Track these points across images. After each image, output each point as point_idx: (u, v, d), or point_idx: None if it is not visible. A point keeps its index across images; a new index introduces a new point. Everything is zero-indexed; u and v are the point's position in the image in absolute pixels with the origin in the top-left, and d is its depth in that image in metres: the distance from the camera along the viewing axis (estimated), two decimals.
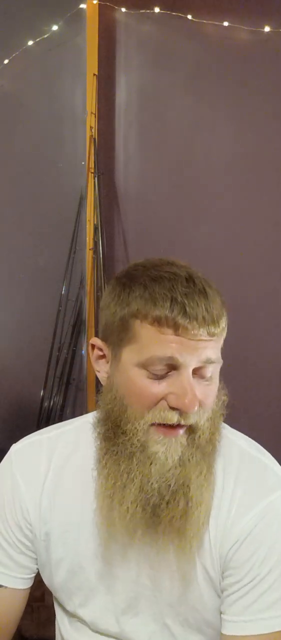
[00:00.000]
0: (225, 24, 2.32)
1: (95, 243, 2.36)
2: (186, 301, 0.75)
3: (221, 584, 0.82)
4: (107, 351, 0.83)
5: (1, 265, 2.75)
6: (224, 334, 0.81)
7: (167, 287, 0.77)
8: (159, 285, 0.77)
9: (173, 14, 2.35)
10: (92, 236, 2.38)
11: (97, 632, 0.90)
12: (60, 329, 2.46)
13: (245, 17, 2.29)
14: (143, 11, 2.40)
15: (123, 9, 2.42)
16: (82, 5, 2.43)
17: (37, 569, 0.94)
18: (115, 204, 2.51)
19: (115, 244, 2.51)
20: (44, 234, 2.62)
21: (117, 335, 0.80)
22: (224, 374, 0.84)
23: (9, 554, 0.92)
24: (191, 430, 0.78)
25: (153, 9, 2.38)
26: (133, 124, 2.50)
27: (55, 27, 2.50)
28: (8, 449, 0.96)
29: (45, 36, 2.51)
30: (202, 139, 2.43)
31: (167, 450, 0.76)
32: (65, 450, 0.90)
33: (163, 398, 0.77)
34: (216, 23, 2.32)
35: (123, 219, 2.51)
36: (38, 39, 2.53)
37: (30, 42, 2.54)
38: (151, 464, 0.76)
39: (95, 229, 2.37)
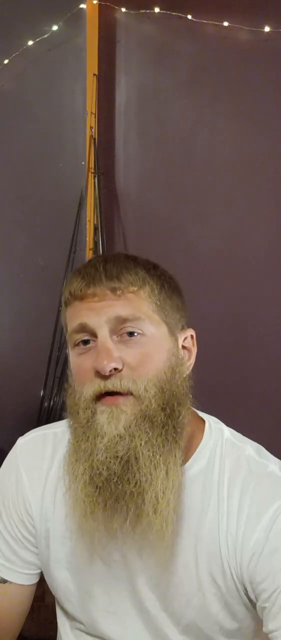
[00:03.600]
0: (225, 24, 2.31)
1: (95, 243, 2.36)
2: (84, 270, 0.80)
3: (258, 604, 0.79)
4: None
5: (1, 265, 2.76)
6: (144, 293, 0.79)
7: (78, 268, 0.83)
8: (74, 270, 0.84)
9: (173, 14, 2.35)
10: (92, 236, 2.38)
11: (96, 636, 0.89)
12: (60, 329, 2.46)
13: (245, 17, 2.29)
14: (143, 11, 2.40)
15: (123, 9, 2.42)
16: (82, 5, 2.42)
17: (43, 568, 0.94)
18: (115, 204, 2.51)
19: (115, 244, 2.51)
20: (44, 234, 2.62)
21: (65, 328, 0.84)
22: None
23: (14, 549, 0.92)
24: (135, 399, 0.76)
25: (153, 9, 2.38)
26: (133, 124, 2.50)
27: (55, 27, 2.50)
28: (8, 449, 0.97)
29: (45, 36, 2.51)
30: (202, 139, 2.43)
31: (109, 419, 0.75)
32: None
33: (92, 367, 0.77)
34: (216, 23, 2.32)
35: (123, 219, 2.51)
36: (38, 39, 2.53)
37: (30, 42, 2.54)
38: (96, 437, 0.75)
39: (95, 229, 2.37)
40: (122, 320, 0.77)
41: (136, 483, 0.74)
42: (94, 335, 0.78)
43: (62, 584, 0.90)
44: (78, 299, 0.79)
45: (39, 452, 0.92)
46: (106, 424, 0.75)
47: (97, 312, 0.77)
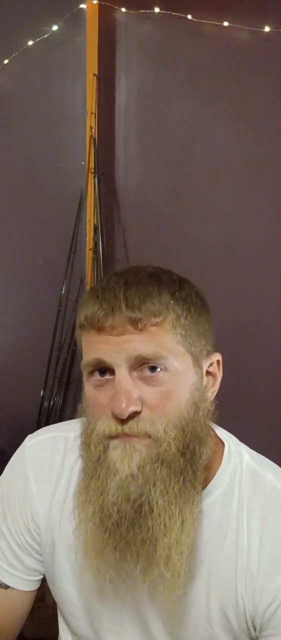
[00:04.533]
0: (225, 24, 2.31)
1: (95, 243, 2.36)
2: (103, 294, 0.72)
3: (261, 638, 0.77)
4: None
5: (1, 265, 2.76)
6: (168, 324, 0.72)
7: (96, 288, 0.74)
8: (91, 288, 0.76)
9: (173, 14, 2.35)
10: (92, 236, 2.38)
11: None
12: (60, 329, 2.46)
13: (245, 17, 2.29)
14: (143, 11, 2.40)
15: (123, 9, 2.42)
16: (82, 5, 2.42)
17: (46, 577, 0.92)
18: (115, 204, 2.51)
19: (115, 244, 2.51)
20: (44, 234, 2.62)
21: (79, 349, 0.78)
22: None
23: (18, 555, 0.89)
24: (152, 441, 0.70)
25: (153, 9, 2.38)
26: (133, 124, 2.50)
27: (55, 27, 2.50)
28: (8, 449, 0.95)
29: (45, 36, 2.51)
30: (202, 139, 2.43)
31: (122, 455, 0.70)
32: (80, 460, 0.81)
33: (108, 405, 0.72)
34: (216, 23, 2.32)
35: (123, 219, 2.51)
36: (38, 39, 2.53)
37: (30, 42, 2.54)
38: (109, 475, 0.71)
39: (95, 229, 2.37)
40: (143, 359, 0.71)
41: (148, 530, 0.70)
42: (112, 370, 0.72)
43: (66, 597, 0.87)
44: (95, 328, 0.72)
45: (49, 457, 0.87)
46: (119, 461, 0.70)
47: (115, 349, 0.70)
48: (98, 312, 0.71)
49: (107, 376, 0.73)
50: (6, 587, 0.89)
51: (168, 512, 0.70)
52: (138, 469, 0.70)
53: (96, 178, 2.36)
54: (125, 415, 0.69)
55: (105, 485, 0.71)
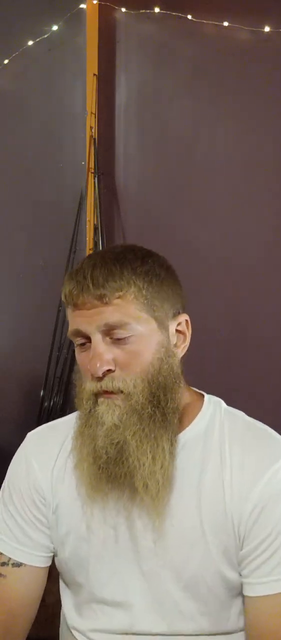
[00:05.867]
0: (225, 24, 2.32)
1: (95, 243, 2.36)
2: (76, 277, 0.85)
3: (241, 552, 0.86)
4: None
5: (1, 265, 2.76)
6: (130, 296, 0.84)
7: (72, 271, 0.88)
8: (70, 271, 0.89)
9: (173, 14, 2.35)
10: (92, 236, 2.38)
11: (104, 603, 0.92)
12: (60, 329, 2.46)
13: (245, 17, 2.29)
14: (143, 11, 2.40)
15: (123, 9, 2.42)
16: (82, 5, 2.43)
17: (54, 548, 0.98)
18: (115, 204, 2.51)
19: (115, 244, 2.51)
20: (44, 234, 2.62)
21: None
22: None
23: (26, 531, 0.96)
24: (125, 396, 0.84)
25: (153, 9, 2.38)
26: (133, 124, 2.50)
27: (55, 27, 2.50)
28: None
29: (45, 36, 2.52)
30: (201, 139, 2.43)
31: (106, 410, 0.84)
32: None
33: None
34: (216, 23, 2.32)
35: (123, 219, 2.51)
36: (38, 39, 2.53)
37: (30, 42, 2.55)
38: (98, 425, 0.85)
39: (95, 229, 2.37)
40: (111, 327, 0.83)
41: (128, 466, 0.84)
42: (89, 338, 0.85)
43: (73, 552, 0.94)
44: (72, 305, 0.86)
45: (50, 439, 0.99)
46: (105, 414, 0.84)
47: (88, 320, 0.84)
48: (73, 291, 0.85)
49: (88, 344, 0.86)
50: (19, 564, 0.96)
51: (140, 450, 0.84)
52: (118, 419, 0.84)
53: (96, 178, 2.36)
54: (100, 374, 0.83)
55: (96, 433, 0.85)
